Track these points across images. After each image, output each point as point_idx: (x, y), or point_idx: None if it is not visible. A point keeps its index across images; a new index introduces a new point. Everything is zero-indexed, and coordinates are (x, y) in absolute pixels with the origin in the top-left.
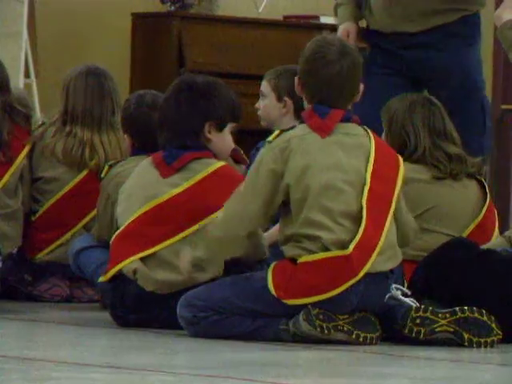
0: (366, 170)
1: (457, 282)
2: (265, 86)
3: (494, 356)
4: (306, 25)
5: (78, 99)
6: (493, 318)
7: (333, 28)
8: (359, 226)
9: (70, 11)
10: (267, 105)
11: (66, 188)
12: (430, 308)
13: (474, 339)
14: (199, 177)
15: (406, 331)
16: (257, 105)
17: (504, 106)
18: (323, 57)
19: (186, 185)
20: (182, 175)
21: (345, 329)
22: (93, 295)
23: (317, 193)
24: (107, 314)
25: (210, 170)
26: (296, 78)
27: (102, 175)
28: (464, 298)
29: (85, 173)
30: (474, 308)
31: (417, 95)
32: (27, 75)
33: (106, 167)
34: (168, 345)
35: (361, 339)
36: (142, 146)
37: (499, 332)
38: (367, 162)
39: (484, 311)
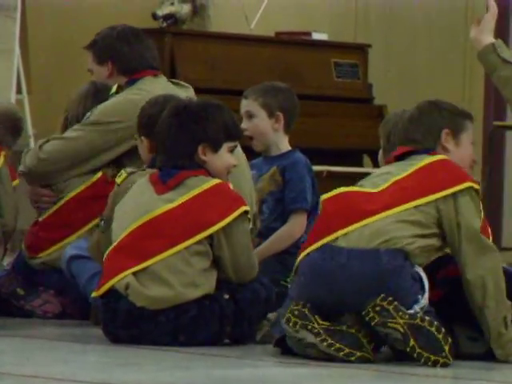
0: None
1: (442, 299)
2: (252, 105)
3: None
4: (298, 41)
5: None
6: (449, 342)
7: (324, 44)
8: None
9: (63, 27)
10: (258, 123)
11: (77, 190)
12: (396, 303)
13: (418, 349)
14: (194, 192)
15: (364, 313)
16: (244, 126)
17: (496, 123)
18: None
19: (180, 200)
20: (177, 191)
21: (315, 331)
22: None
23: None
24: (99, 330)
25: (206, 186)
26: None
27: (119, 181)
28: (449, 316)
29: (98, 175)
30: (435, 322)
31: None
32: (19, 91)
33: (125, 174)
34: (159, 361)
35: (333, 349)
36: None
37: (449, 357)
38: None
39: (443, 330)
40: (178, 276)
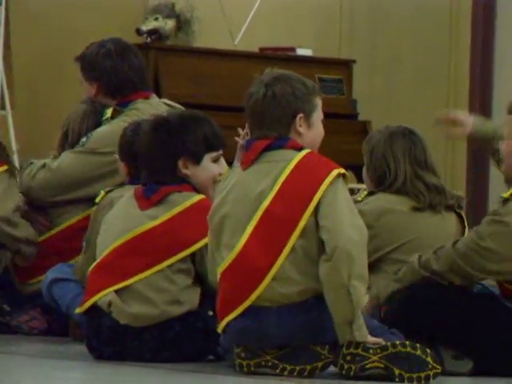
0: (269, 192)
1: (424, 321)
2: None
3: None
4: (282, 56)
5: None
6: (429, 352)
7: (308, 60)
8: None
9: (47, 41)
10: None
11: (72, 220)
12: (362, 344)
13: (405, 374)
14: (177, 210)
15: (338, 369)
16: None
17: None
18: (248, 91)
19: (163, 217)
20: (161, 208)
21: (269, 364)
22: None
23: (215, 229)
24: (82, 347)
25: (189, 203)
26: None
27: (97, 200)
28: (435, 336)
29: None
30: (407, 342)
31: (397, 127)
32: (3, 107)
33: (103, 193)
34: (141, 378)
35: (286, 373)
36: (137, 175)
37: (436, 366)
38: (274, 183)
39: (418, 345)
40: (160, 294)
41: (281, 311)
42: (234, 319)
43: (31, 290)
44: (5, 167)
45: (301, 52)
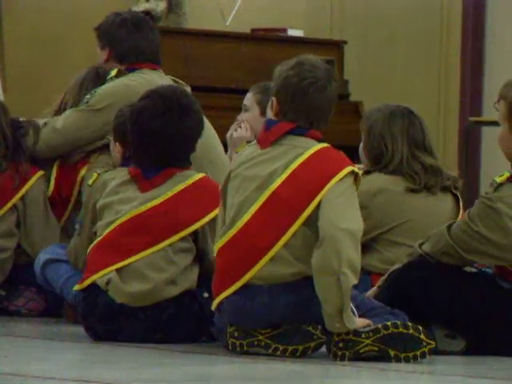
0: (280, 174)
1: (418, 299)
2: (249, 100)
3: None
4: (273, 37)
5: None
6: (421, 329)
7: (300, 41)
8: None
9: (39, 27)
10: (250, 118)
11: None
12: (353, 329)
13: (401, 355)
14: (178, 188)
15: (331, 356)
16: (239, 117)
17: (472, 118)
18: (312, 82)
19: (164, 196)
20: (163, 186)
21: (262, 344)
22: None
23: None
24: (76, 328)
25: (189, 181)
26: (273, 99)
27: (90, 183)
28: (425, 315)
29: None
30: (399, 322)
31: (397, 106)
32: None
33: (95, 175)
34: (136, 358)
35: (278, 353)
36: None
37: (430, 342)
38: (286, 167)
39: (410, 324)
40: (159, 273)
41: (272, 290)
42: (227, 297)
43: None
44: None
45: (292, 33)
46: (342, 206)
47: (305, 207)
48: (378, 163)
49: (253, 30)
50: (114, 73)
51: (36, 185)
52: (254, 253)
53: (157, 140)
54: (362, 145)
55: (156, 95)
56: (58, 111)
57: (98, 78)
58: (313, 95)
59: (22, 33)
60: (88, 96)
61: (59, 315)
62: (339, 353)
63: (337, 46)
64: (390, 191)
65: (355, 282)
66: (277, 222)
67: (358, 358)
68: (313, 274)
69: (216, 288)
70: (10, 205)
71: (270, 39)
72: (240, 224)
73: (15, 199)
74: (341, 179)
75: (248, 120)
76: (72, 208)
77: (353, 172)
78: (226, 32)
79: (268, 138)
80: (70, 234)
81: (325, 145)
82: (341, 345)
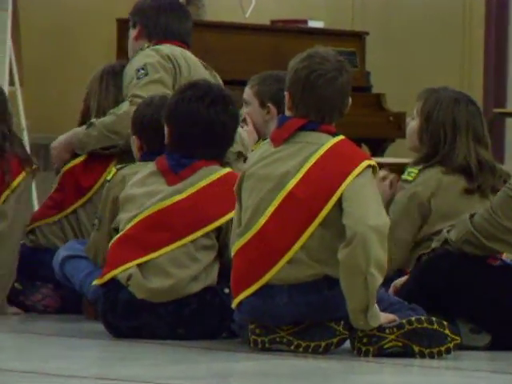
0: (295, 174)
1: (443, 292)
2: (247, 93)
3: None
4: (293, 29)
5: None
6: (446, 324)
7: (320, 32)
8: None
9: (55, 20)
10: (251, 112)
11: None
12: None
13: (426, 350)
14: (203, 183)
15: (355, 352)
16: (241, 112)
17: (496, 110)
18: (321, 74)
19: (189, 191)
20: (187, 181)
21: (284, 340)
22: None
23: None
24: (96, 325)
25: (215, 177)
26: (286, 94)
27: (109, 178)
28: (450, 308)
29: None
30: (423, 318)
31: (459, 92)
32: (12, 83)
33: (114, 170)
34: (157, 355)
35: (301, 349)
36: (150, 149)
37: (455, 337)
38: (301, 166)
39: (434, 319)
40: (181, 270)
41: (292, 290)
42: (247, 297)
43: (38, 244)
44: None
45: (313, 24)
46: (365, 202)
47: (322, 207)
48: (435, 153)
49: (272, 22)
50: (143, 49)
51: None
52: (271, 255)
53: (200, 130)
54: (411, 127)
55: (199, 85)
56: (85, 116)
57: (115, 73)
58: (322, 88)
59: (39, 26)
60: (138, 76)
61: (76, 312)
62: (363, 348)
63: (358, 38)
64: (448, 192)
65: (381, 281)
66: (294, 223)
67: (382, 353)
68: (339, 272)
69: (235, 288)
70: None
71: (289, 31)
72: (257, 226)
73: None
74: (358, 174)
75: (249, 114)
76: (88, 199)
77: (369, 165)
78: (245, 24)
79: (281, 135)
80: (81, 223)
81: (339, 138)
82: (365, 340)
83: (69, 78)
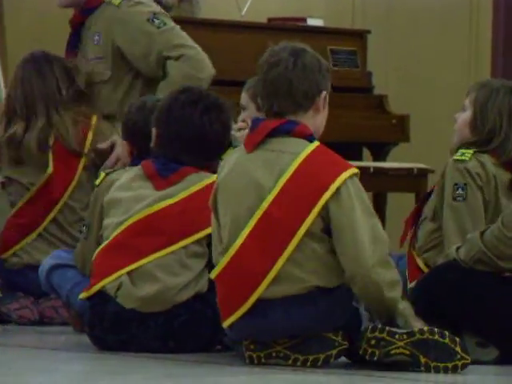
0: (271, 190)
1: (449, 304)
2: (244, 98)
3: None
4: (291, 28)
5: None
6: (458, 341)
7: (320, 31)
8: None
9: (41, 16)
10: (248, 117)
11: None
12: (387, 328)
13: (431, 363)
14: (194, 189)
15: (361, 352)
16: (240, 118)
17: None
18: (267, 61)
19: (180, 196)
20: (178, 186)
21: (280, 355)
22: (66, 318)
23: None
24: (82, 337)
25: (205, 183)
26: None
27: (97, 183)
28: (459, 321)
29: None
30: (436, 330)
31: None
32: None
33: (103, 174)
34: (147, 369)
35: (299, 363)
36: (141, 154)
37: (465, 356)
38: (277, 181)
39: (447, 333)
40: (172, 277)
41: (286, 303)
42: (237, 319)
43: (16, 264)
44: None
45: (312, 22)
46: (358, 236)
47: (299, 226)
48: (488, 141)
49: (269, 20)
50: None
51: None
52: (252, 279)
53: (191, 136)
54: (463, 119)
55: (193, 90)
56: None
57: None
58: (269, 73)
59: (24, 30)
60: (155, 27)
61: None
62: (369, 350)
63: (360, 36)
64: (492, 185)
65: (400, 293)
66: (271, 243)
67: (388, 359)
68: (327, 284)
69: (223, 310)
70: None
71: (287, 29)
72: (232, 250)
73: None
74: (338, 189)
75: (246, 119)
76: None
77: (350, 176)
78: (242, 22)
79: (253, 139)
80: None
81: (314, 146)
82: (373, 342)
83: None
